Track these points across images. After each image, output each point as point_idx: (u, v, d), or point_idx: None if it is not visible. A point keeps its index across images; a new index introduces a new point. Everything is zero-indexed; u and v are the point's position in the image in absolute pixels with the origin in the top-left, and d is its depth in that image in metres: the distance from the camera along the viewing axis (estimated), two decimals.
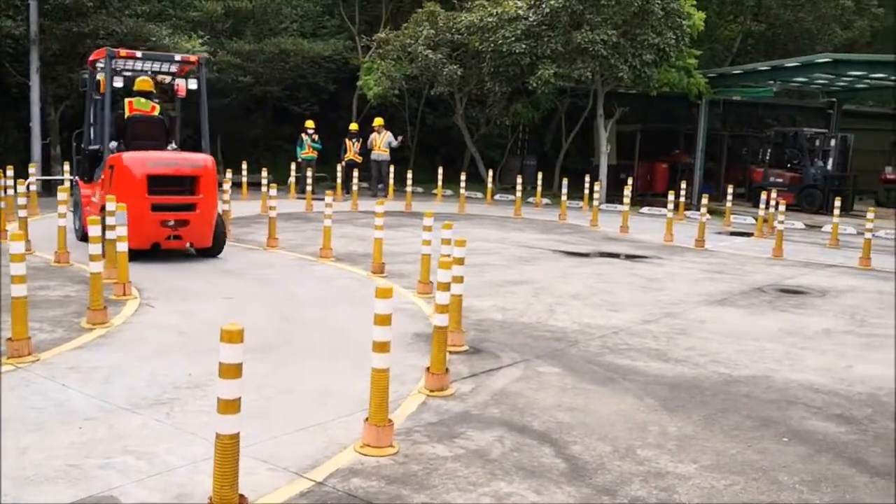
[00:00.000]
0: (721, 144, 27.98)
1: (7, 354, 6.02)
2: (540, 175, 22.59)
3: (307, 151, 22.21)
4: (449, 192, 22.88)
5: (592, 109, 24.28)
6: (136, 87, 11.60)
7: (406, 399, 5.65)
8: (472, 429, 5.15)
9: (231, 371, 3.64)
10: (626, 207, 16.88)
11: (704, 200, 15.30)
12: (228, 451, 3.66)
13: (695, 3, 22.67)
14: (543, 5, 20.87)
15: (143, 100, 11.50)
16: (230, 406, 3.65)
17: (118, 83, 11.35)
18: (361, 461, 4.57)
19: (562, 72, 21.02)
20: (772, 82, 23.89)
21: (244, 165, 20.62)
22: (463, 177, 20.31)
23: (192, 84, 11.74)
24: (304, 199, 19.21)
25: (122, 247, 8.29)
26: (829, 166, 23.38)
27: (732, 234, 17.62)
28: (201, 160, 10.96)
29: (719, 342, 7.70)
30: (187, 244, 10.87)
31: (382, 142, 22.65)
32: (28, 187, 14.41)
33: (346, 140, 22.95)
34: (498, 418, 5.37)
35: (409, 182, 20.07)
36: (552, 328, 7.98)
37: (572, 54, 21.04)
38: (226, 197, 12.82)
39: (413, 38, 23.29)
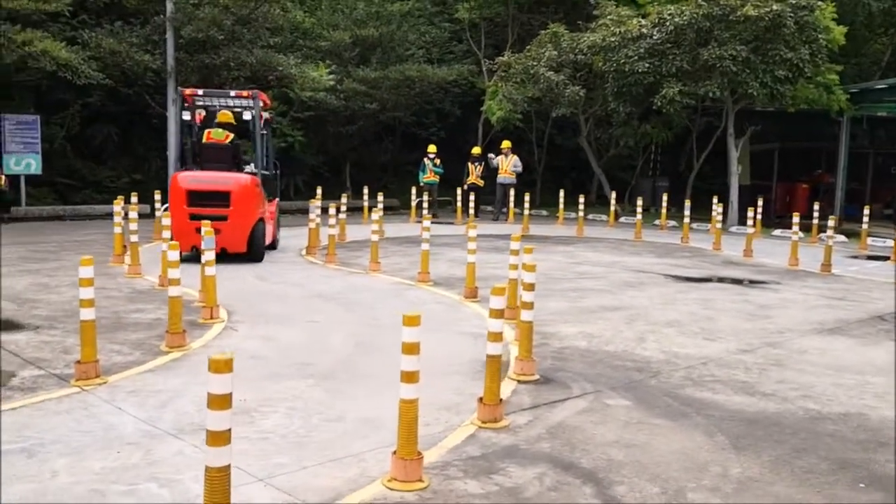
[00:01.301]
0: (867, 163, 26.33)
1: (75, 377, 6.21)
2: (665, 196, 21.84)
3: (429, 176, 22.43)
4: (572, 214, 22.48)
5: (725, 128, 23.33)
6: (217, 120, 12.86)
7: (455, 430, 5.45)
8: (514, 464, 4.89)
9: (219, 402, 3.54)
10: (751, 230, 16.06)
11: (831, 222, 14.30)
12: (217, 485, 3.55)
13: (835, 16, 21.43)
14: (668, 23, 20.27)
15: (219, 130, 12.69)
16: (219, 438, 3.54)
17: (186, 116, 13.21)
18: (385, 496, 4.40)
19: (687, 90, 20.30)
20: None
21: (365, 190, 21.01)
22: (581, 199, 19.89)
23: (247, 115, 13.17)
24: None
25: (211, 271, 8.48)
26: None
27: (869, 258, 16.39)
28: (234, 178, 12.25)
29: (817, 375, 7.09)
30: (220, 249, 11.70)
31: (509, 165, 22.60)
32: (154, 213, 15.37)
33: (469, 164, 22.99)
34: (546, 454, 5.08)
35: (527, 205, 19.83)
36: (636, 357, 7.57)
37: (699, 72, 20.31)
38: (331, 221, 13.06)
39: (535, 59, 23.10)
